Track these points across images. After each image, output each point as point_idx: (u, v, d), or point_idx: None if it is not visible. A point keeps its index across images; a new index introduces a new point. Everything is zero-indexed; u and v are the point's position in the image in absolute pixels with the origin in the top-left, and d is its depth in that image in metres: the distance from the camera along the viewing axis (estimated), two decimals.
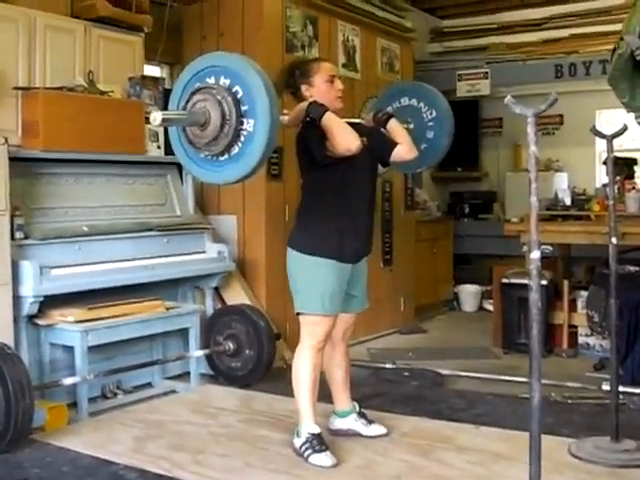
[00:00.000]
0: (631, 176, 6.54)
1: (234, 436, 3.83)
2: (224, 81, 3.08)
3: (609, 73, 4.05)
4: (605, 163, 4.36)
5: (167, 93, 3.99)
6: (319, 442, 3.43)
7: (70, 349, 4.20)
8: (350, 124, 3.51)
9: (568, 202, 7.25)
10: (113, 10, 4.78)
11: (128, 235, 4.59)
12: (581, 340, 5.82)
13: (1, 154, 3.91)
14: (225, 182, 3.29)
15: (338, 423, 3.81)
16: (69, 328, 4.11)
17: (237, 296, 5.32)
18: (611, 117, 8.20)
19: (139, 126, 4.81)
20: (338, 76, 3.67)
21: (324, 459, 3.38)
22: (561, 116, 8.51)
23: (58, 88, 4.44)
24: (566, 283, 5.84)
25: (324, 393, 3.71)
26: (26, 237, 4.07)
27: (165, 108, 3.58)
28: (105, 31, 4.85)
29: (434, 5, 8.83)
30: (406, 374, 5.15)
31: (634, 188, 6.29)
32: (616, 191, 4.60)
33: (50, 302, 4.12)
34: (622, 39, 3.84)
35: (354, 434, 3.76)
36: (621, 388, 3.85)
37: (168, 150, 4.57)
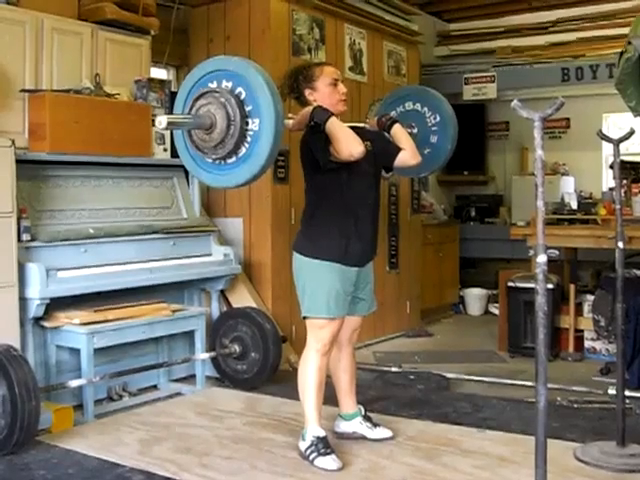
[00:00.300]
0: (638, 180, 6.51)
1: (239, 439, 3.83)
2: (226, 84, 3.11)
3: (616, 77, 4.04)
4: (612, 167, 4.35)
5: (174, 96, 3.99)
6: (324, 445, 3.43)
7: (76, 351, 4.21)
8: (354, 128, 3.51)
9: (574, 206, 7.22)
10: (120, 13, 4.79)
11: (134, 238, 4.60)
12: (587, 344, 5.81)
13: (8, 156, 3.92)
14: (236, 184, 3.28)
15: (343, 426, 3.81)
16: (75, 330, 4.12)
17: (243, 299, 5.32)
18: (618, 121, 8.20)
19: (146, 129, 4.82)
20: (341, 79, 3.67)
21: (329, 462, 3.37)
22: (568, 120, 8.50)
23: (65, 91, 4.45)
24: (572, 287, 5.83)
25: (329, 396, 3.71)
26: (32, 239, 4.08)
27: (172, 110, 3.59)
28: (112, 34, 4.86)
29: (441, 8, 8.80)
30: (412, 377, 5.14)
31: None
32: (623, 195, 4.59)
33: (56, 304, 4.13)
34: (629, 43, 3.83)
35: (359, 437, 3.76)
36: (627, 392, 3.84)
37: (174, 153, 4.57)
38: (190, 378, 4.97)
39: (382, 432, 3.77)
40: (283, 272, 5.20)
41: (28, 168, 4.19)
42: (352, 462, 3.45)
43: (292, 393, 3.74)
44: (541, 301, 2.36)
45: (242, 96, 3.06)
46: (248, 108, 3.05)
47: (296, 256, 3.57)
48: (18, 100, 4.31)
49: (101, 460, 3.49)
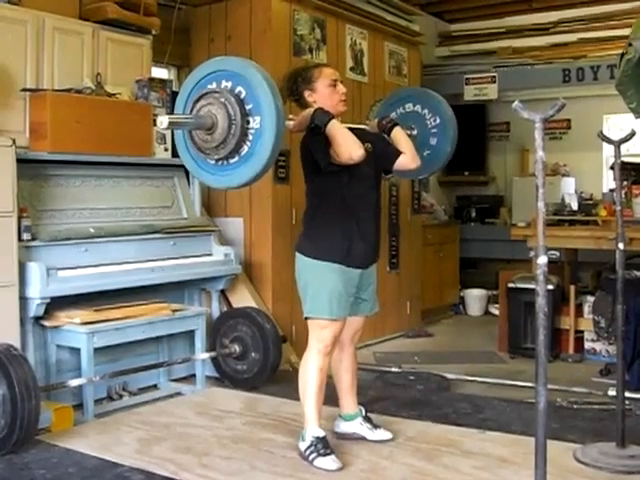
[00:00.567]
0: (638, 181, 6.51)
1: (239, 439, 3.83)
2: (226, 84, 3.11)
3: (617, 79, 4.04)
4: (612, 168, 4.35)
5: (175, 95, 4.00)
6: (324, 446, 3.43)
7: (76, 351, 4.21)
8: (354, 129, 3.52)
9: (575, 207, 7.23)
10: (121, 12, 4.79)
11: (135, 237, 4.60)
12: (587, 345, 5.81)
13: (9, 155, 3.92)
14: (239, 184, 3.27)
15: (344, 427, 3.81)
16: (75, 330, 4.12)
17: (243, 299, 5.32)
18: (619, 122, 8.19)
19: (146, 128, 4.82)
20: (340, 80, 3.67)
21: (329, 463, 3.37)
22: (569, 121, 8.50)
23: (66, 90, 4.45)
24: (572, 288, 5.83)
25: (329, 396, 3.71)
26: (33, 238, 4.09)
27: (173, 110, 3.60)
28: (113, 33, 4.86)
29: (442, 9, 8.81)
30: (412, 378, 5.14)
31: None
32: (623, 196, 4.59)
33: (57, 303, 4.13)
34: (630, 44, 3.84)
35: (359, 438, 3.76)
36: (627, 394, 3.84)
37: (175, 152, 4.58)
38: (190, 378, 4.97)
39: (382, 434, 3.77)
40: (283, 272, 5.20)
41: (29, 167, 4.19)
42: (352, 462, 3.45)
43: (292, 393, 3.74)
44: (541, 302, 2.36)
45: (242, 95, 3.07)
46: (248, 106, 3.06)
47: (298, 256, 3.57)
48: (19, 99, 4.32)
49: (101, 459, 3.49)
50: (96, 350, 4.16)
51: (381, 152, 3.67)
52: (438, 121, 4.08)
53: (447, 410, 4.38)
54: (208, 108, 3.11)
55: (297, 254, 3.58)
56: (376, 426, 3.79)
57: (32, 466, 3.40)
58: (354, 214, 3.52)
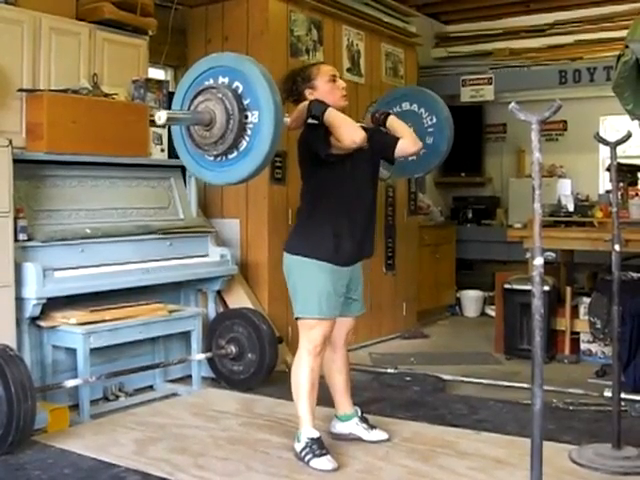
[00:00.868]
0: (634, 183, 6.53)
1: (235, 440, 3.83)
2: (223, 80, 3.11)
3: (614, 81, 4.05)
4: (609, 169, 4.36)
5: (171, 96, 4.00)
6: (319, 446, 3.43)
7: (72, 351, 4.20)
8: None
9: (571, 208, 7.26)
10: (118, 13, 4.79)
11: (131, 238, 4.60)
12: (583, 346, 5.82)
13: (5, 156, 3.92)
14: (238, 180, 3.25)
15: (340, 427, 3.81)
16: (71, 330, 4.11)
17: (239, 299, 5.32)
18: (615, 123, 8.21)
19: (143, 129, 4.82)
20: (339, 75, 3.67)
21: (325, 463, 3.37)
22: (565, 122, 8.50)
23: (62, 90, 4.45)
24: (569, 289, 5.84)
25: (324, 397, 3.71)
26: (29, 239, 4.08)
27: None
28: (110, 34, 4.86)
29: (439, 10, 8.80)
30: (408, 379, 5.14)
31: (637, 195, 6.28)
32: (619, 198, 4.60)
33: (53, 304, 4.12)
34: (627, 46, 3.85)
35: (355, 438, 3.76)
36: (623, 395, 3.85)
37: (172, 153, 4.58)
38: (186, 379, 4.97)
39: (378, 434, 3.77)
40: (280, 273, 5.13)
41: (25, 168, 4.19)
42: (348, 463, 3.45)
43: (288, 394, 3.74)
44: (537, 303, 2.36)
45: (240, 90, 3.06)
46: (246, 101, 3.05)
47: (285, 255, 3.58)
48: (16, 100, 4.31)
49: (97, 460, 3.48)
50: (92, 351, 4.15)
51: (379, 144, 3.66)
52: (434, 120, 4.07)
53: (443, 411, 4.38)
54: (206, 104, 3.11)
55: (285, 254, 3.58)
56: (372, 427, 3.80)
57: (28, 467, 3.40)
58: (348, 212, 3.52)
